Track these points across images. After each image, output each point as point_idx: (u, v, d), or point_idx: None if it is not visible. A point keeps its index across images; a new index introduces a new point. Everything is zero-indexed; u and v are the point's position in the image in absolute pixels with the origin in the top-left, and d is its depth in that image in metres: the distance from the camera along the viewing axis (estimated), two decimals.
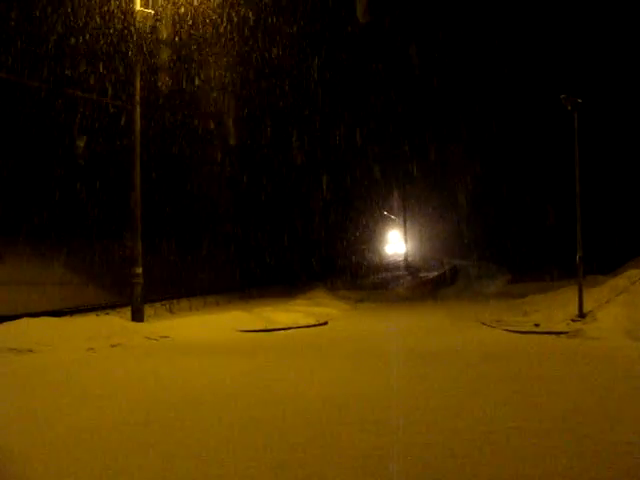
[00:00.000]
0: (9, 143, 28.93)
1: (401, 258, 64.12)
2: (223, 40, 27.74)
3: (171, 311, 25.24)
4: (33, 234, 30.18)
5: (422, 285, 42.81)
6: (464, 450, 4.92)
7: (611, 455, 4.72)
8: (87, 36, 23.19)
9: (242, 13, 27.32)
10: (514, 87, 44.83)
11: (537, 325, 16.50)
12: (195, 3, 18.84)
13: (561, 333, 14.45)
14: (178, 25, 20.15)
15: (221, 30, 25.46)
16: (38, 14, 25.36)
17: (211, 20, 21.37)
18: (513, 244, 45.04)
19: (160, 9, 18.10)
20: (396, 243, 68.62)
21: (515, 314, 19.74)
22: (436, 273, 52.64)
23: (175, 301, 27.59)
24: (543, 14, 42.88)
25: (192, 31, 21.37)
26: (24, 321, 13.38)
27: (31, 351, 11.51)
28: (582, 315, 16.33)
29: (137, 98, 17.83)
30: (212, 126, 37.02)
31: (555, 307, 18.49)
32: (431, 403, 6.73)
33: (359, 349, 12.67)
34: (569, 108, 17.56)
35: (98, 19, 20.04)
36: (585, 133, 18.20)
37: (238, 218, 44.28)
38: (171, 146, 34.89)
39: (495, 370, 9.06)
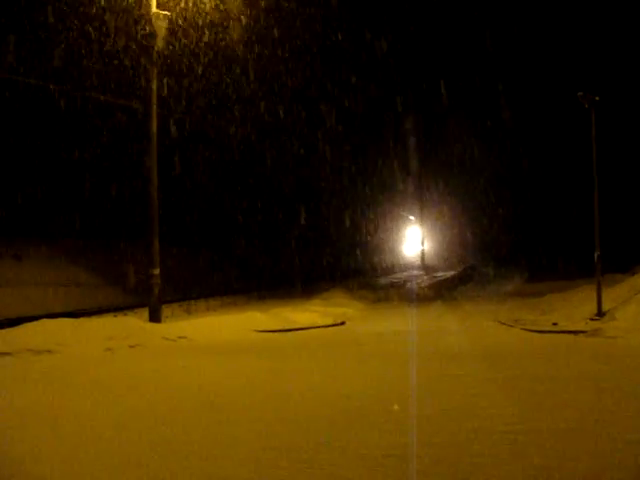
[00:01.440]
0: (27, 145, 29.11)
1: (418, 257, 64.01)
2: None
3: (188, 312, 25.32)
4: (51, 236, 30.37)
5: (439, 284, 42.71)
6: (484, 450, 4.90)
7: (631, 455, 4.68)
8: (103, 37, 23.30)
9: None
10: (532, 84, 44.63)
11: (555, 324, 16.43)
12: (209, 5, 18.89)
13: (580, 332, 14.36)
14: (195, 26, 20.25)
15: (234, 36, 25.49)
16: (52, 19, 25.50)
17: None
18: (530, 243, 44.88)
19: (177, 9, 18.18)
20: (413, 243, 68.48)
21: (533, 313, 19.67)
22: (453, 272, 52.53)
23: (192, 302, 27.66)
24: (562, 9, 42.67)
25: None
26: (43, 322, 13.44)
27: (50, 351, 11.56)
28: (601, 314, 16.24)
29: (153, 99, 17.89)
30: (232, 127, 37.06)
31: (573, 306, 18.42)
32: (450, 402, 6.71)
33: (377, 349, 12.65)
34: (586, 106, 17.47)
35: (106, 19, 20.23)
36: (602, 130, 18.10)
37: (256, 218, 44.27)
38: (187, 146, 34.95)
39: (514, 370, 9.01)
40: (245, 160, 41.89)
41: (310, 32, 37.53)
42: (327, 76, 44.13)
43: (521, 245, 46.63)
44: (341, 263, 47.11)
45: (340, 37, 42.22)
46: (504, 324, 17.70)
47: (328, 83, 44.33)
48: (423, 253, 64.33)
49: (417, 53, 51.24)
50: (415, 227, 66.57)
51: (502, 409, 6.35)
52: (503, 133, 48.31)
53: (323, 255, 47.55)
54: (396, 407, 6.53)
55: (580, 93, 17.45)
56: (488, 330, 16.42)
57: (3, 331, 13.03)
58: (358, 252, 50.95)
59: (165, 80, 21.43)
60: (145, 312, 18.03)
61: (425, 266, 60.11)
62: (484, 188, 52.94)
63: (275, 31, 32.75)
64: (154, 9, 17.43)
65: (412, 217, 66.47)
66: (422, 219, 64.10)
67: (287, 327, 17.34)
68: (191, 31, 21.28)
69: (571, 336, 14.09)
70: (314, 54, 40.66)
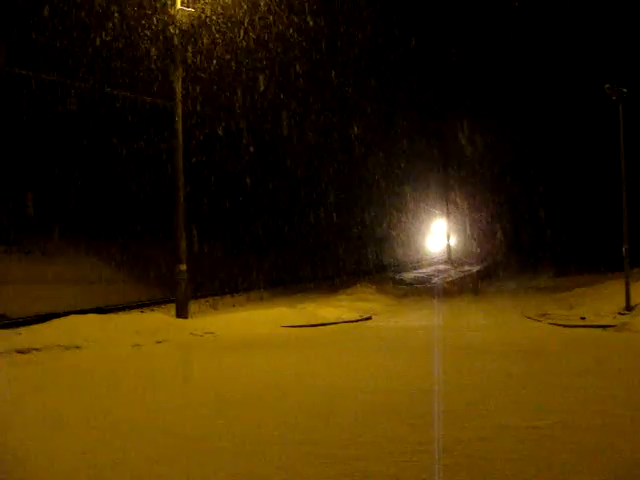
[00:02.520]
0: (55, 144, 29.36)
1: (444, 252, 63.74)
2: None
3: (215, 307, 25.38)
4: (79, 233, 30.62)
5: (466, 279, 42.50)
6: (511, 445, 4.89)
7: None
8: (128, 34, 23.44)
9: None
10: (559, 77, 44.21)
11: (583, 318, 16.29)
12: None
13: (608, 326, 14.25)
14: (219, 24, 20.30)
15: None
16: (76, 17, 25.70)
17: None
18: (557, 237, 44.50)
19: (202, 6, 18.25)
20: (439, 237, 68.18)
21: (560, 307, 19.52)
22: (479, 267, 52.24)
23: (219, 297, 27.74)
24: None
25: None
26: (72, 318, 13.59)
27: (79, 347, 11.68)
28: (629, 308, 16.10)
29: (179, 96, 17.98)
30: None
31: (601, 300, 18.25)
32: (477, 397, 6.68)
33: (404, 344, 12.63)
34: (614, 98, 17.28)
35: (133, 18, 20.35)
36: (630, 123, 17.91)
37: (282, 213, 44.34)
38: (214, 143, 35.10)
39: (541, 364, 8.97)
40: (272, 154, 42.00)
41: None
42: (359, 71, 44.12)
43: (548, 239, 46.25)
44: (367, 258, 47.01)
45: (369, 33, 42.13)
46: (531, 318, 17.60)
47: (362, 78, 44.23)
48: (449, 247, 63.95)
49: (442, 46, 50.75)
50: (441, 221, 66.21)
51: (529, 404, 6.33)
52: (531, 127, 47.96)
53: (348, 250, 47.46)
54: (423, 402, 6.52)
55: (607, 85, 17.27)
56: (515, 325, 16.34)
57: (33, 327, 13.20)
58: (384, 247, 50.83)
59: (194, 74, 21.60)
60: (172, 308, 18.14)
61: (451, 260, 59.76)
62: (510, 182, 52.60)
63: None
64: (178, 6, 17.53)
65: (437, 211, 66.17)
66: (448, 213, 63.72)
67: (314, 322, 17.34)
68: (214, 29, 21.32)
69: (599, 330, 13.99)
70: (345, 52, 40.72)
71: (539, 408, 6.11)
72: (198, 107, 28.83)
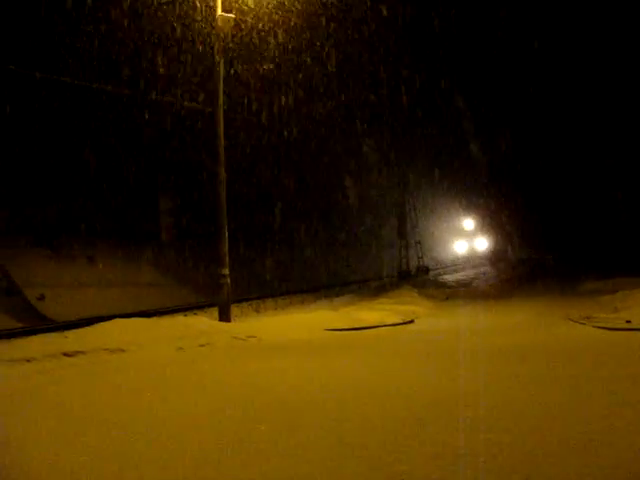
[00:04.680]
0: (97, 149, 29.75)
1: (485, 253, 63.32)
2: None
3: (257, 311, 25.51)
4: (123, 236, 31.00)
5: (507, 281, 42.08)
6: (553, 449, 4.82)
7: None
8: (169, 41, 23.70)
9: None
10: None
11: (629, 322, 15.95)
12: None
13: None
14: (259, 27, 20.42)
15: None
16: (118, 24, 26.04)
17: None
18: (600, 239, 43.96)
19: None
20: (480, 239, 67.73)
21: (605, 310, 19.18)
22: (522, 269, 51.73)
23: (261, 301, 27.85)
24: None
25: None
26: (116, 322, 13.72)
27: (123, 350, 11.77)
28: None
29: (219, 101, 18.10)
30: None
31: None
32: (520, 403, 6.58)
33: (446, 347, 12.51)
34: None
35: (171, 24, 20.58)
36: None
37: (322, 217, 44.43)
38: (258, 144, 35.31)
39: (584, 369, 8.80)
40: (308, 158, 42.14)
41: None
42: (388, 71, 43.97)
43: (591, 241, 45.76)
44: (407, 261, 46.84)
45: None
46: (574, 321, 17.32)
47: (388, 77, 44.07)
48: (490, 249, 63.52)
49: (468, 42, 50.11)
50: (481, 222, 65.76)
51: (571, 408, 6.23)
52: (566, 128, 47.48)
53: (387, 254, 47.41)
54: (465, 405, 6.44)
55: None
56: (559, 328, 16.09)
57: (79, 331, 13.35)
58: (425, 249, 50.64)
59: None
60: (215, 311, 18.25)
61: (492, 262, 59.30)
62: (553, 184, 52.07)
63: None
64: (219, 12, 17.67)
65: (475, 215, 65.72)
66: (490, 215, 63.24)
67: (356, 326, 17.29)
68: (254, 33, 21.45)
69: None
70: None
71: (581, 413, 6.02)
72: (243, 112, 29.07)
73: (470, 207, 64.20)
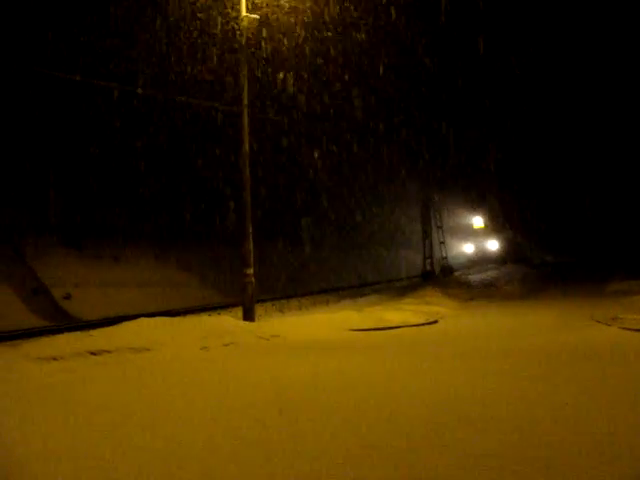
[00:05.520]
0: (124, 150, 29.97)
1: (509, 253, 62.93)
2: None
3: (281, 310, 25.55)
4: (148, 237, 31.19)
5: (532, 282, 41.78)
6: (589, 448, 4.78)
7: None
8: (194, 41, 23.79)
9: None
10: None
11: None
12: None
13: None
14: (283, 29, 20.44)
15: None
16: (143, 25, 26.24)
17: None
18: (626, 239, 43.56)
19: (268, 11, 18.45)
20: (491, 241, 67.32)
21: (633, 312, 18.98)
22: (545, 269, 51.37)
23: (285, 300, 27.91)
24: None
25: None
26: (141, 321, 13.80)
27: (148, 349, 11.84)
28: None
29: (245, 102, 18.16)
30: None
31: None
32: (546, 404, 6.54)
33: (471, 348, 12.45)
34: None
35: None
36: None
37: (347, 218, 44.46)
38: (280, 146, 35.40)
39: (610, 370, 8.71)
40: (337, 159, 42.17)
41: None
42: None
43: (616, 241, 45.38)
44: (432, 261, 46.68)
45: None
46: (601, 323, 17.16)
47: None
48: (513, 248, 63.11)
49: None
50: (504, 221, 65.29)
51: (603, 411, 6.17)
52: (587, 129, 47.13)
53: (411, 253, 47.28)
54: (493, 406, 6.41)
55: None
56: (585, 329, 15.94)
57: (104, 329, 13.45)
58: (448, 249, 50.48)
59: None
60: (239, 311, 18.31)
61: (516, 261, 58.85)
62: (573, 184, 51.68)
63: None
64: (243, 13, 17.74)
65: (492, 213, 65.27)
66: (512, 213, 62.78)
67: (381, 326, 17.26)
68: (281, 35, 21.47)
69: None
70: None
71: (613, 415, 5.98)
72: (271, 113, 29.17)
73: (482, 207, 63.66)
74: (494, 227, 65.08)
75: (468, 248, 68.59)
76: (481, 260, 63.93)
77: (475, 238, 67.93)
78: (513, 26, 46.03)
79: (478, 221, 65.49)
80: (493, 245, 67.25)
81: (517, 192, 57.31)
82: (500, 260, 61.07)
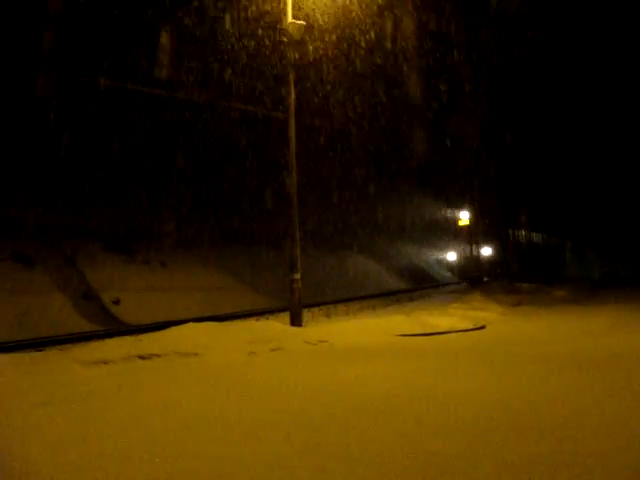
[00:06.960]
0: (171, 157, 30.28)
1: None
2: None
3: (328, 316, 25.55)
4: (194, 242, 31.46)
5: (581, 287, 41.19)
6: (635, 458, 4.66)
7: None
8: (241, 50, 23.99)
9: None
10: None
11: None
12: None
13: None
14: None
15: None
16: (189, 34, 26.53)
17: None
18: None
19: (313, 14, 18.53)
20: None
21: None
22: (593, 275, 50.64)
23: (332, 306, 27.89)
24: None
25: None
26: (189, 326, 13.89)
27: (196, 354, 11.91)
28: None
29: (291, 108, 18.21)
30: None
31: None
32: (596, 411, 6.37)
33: (519, 354, 12.28)
34: None
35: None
36: None
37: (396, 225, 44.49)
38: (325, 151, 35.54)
39: None
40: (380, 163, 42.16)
41: None
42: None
43: None
44: (480, 266, 46.43)
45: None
46: None
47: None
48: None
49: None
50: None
51: None
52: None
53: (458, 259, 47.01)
54: (538, 413, 6.30)
55: None
56: (637, 335, 15.65)
57: (153, 334, 13.57)
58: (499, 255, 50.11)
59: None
60: (286, 316, 18.33)
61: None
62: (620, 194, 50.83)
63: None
64: (290, 19, 17.81)
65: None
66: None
67: (428, 331, 17.18)
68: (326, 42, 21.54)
69: None
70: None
71: None
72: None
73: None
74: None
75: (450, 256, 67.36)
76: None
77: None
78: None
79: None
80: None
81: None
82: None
